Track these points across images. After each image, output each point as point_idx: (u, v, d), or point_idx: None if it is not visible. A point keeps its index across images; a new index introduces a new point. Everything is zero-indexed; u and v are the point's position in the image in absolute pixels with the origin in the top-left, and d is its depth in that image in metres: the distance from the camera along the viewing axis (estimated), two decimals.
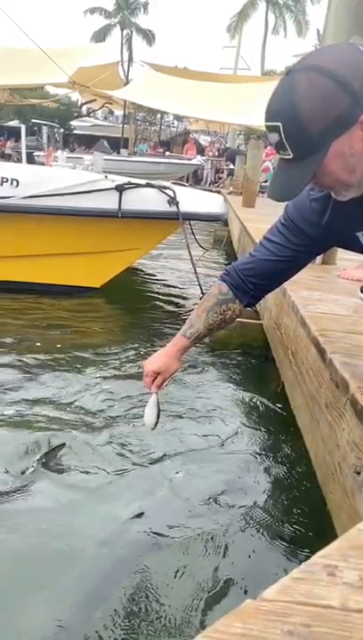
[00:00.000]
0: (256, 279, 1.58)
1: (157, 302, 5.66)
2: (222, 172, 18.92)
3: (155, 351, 1.71)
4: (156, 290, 6.25)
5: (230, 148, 21.08)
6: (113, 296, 5.43)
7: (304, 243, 1.49)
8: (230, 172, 16.12)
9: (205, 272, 6.30)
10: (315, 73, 1.09)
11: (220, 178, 19.00)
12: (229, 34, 35.04)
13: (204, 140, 25.43)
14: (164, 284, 6.49)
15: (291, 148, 1.13)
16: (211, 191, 8.54)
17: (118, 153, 19.04)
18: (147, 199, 5.03)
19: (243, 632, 0.56)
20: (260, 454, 2.64)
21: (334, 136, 1.11)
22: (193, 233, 6.40)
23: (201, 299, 1.87)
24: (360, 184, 1.20)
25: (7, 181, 4.92)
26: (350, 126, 1.10)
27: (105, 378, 3.44)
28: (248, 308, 1.76)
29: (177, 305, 5.58)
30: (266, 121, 1.15)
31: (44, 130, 14.48)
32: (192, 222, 5.68)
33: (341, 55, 1.12)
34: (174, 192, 5.01)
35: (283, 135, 1.12)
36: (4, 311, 4.75)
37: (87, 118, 24.51)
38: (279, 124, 1.12)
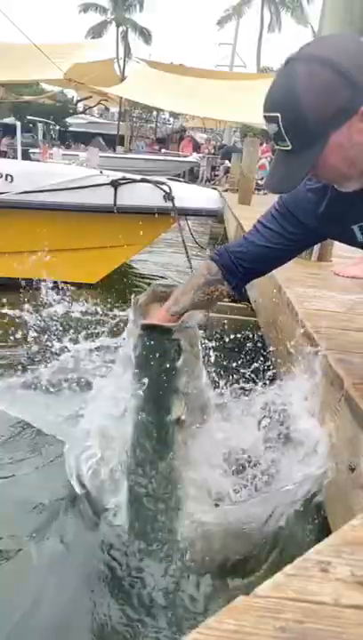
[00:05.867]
0: (247, 263, 1.57)
1: None
2: (218, 170, 18.91)
3: None
4: (149, 283, 6.23)
5: (226, 145, 21.05)
6: (108, 290, 5.41)
7: (298, 231, 1.49)
8: (227, 170, 16.10)
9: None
10: (315, 63, 1.07)
11: (216, 175, 18.98)
12: (219, 26, 34.98)
13: (200, 137, 25.40)
14: (158, 278, 6.47)
15: (290, 140, 1.12)
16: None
17: (114, 150, 19.01)
18: (142, 194, 5.02)
19: (235, 628, 0.55)
20: None
21: (334, 127, 1.09)
22: (191, 232, 6.40)
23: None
24: (360, 176, 1.18)
25: (2, 177, 4.90)
26: (349, 117, 1.08)
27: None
28: (240, 305, 1.76)
29: None
30: (265, 111, 1.13)
31: (40, 127, 14.41)
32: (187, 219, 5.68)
33: (341, 44, 1.11)
34: (170, 187, 5.00)
35: (282, 126, 1.10)
36: None
37: (83, 115, 24.42)
38: (278, 114, 1.10)
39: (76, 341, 2.28)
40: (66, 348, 2.24)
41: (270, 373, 2.06)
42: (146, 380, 1.59)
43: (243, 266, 1.58)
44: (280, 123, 1.10)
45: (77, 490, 1.87)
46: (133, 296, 1.70)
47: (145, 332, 1.57)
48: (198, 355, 1.73)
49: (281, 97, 1.11)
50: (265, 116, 1.14)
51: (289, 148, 1.13)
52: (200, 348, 1.74)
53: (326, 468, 1.57)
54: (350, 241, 1.46)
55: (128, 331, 1.68)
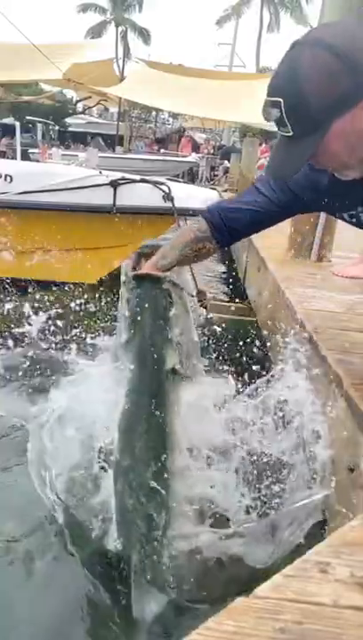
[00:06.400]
0: (234, 223, 1.62)
1: None
2: (218, 170, 18.91)
3: None
4: None
5: (226, 145, 21.04)
6: (107, 291, 5.39)
7: (292, 203, 1.53)
8: (226, 170, 16.09)
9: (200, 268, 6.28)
10: (319, 48, 1.06)
11: (215, 175, 18.98)
12: (218, 26, 34.98)
13: (199, 137, 25.38)
14: None
15: (291, 125, 1.11)
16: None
17: (113, 150, 18.99)
18: (141, 195, 5.01)
19: (234, 630, 0.55)
20: None
21: (336, 115, 1.09)
22: None
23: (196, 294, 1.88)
24: (360, 165, 1.19)
25: (1, 177, 4.90)
26: (352, 106, 1.08)
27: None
28: (239, 305, 1.78)
29: None
30: (267, 96, 1.13)
31: (39, 127, 14.38)
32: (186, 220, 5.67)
33: (347, 30, 1.10)
34: (169, 188, 5.00)
35: (284, 111, 1.10)
36: None
37: (82, 115, 24.41)
38: (281, 99, 1.10)
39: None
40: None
41: (269, 373, 2.07)
42: (140, 331, 1.63)
43: (230, 225, 1.63)
44: (282, 108, 1.10)
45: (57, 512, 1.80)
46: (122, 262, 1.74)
47: (137, 282, 1.63)
48: (188, 309, 1.76)
49: (284, 82, 1.11)
50: (268, 101, 1.13)
51: (290, 134, 1.13)
52: (189, 304, 1.77)
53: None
54: (342, 220, 1.49)
55: (122, 294, 1.72)
